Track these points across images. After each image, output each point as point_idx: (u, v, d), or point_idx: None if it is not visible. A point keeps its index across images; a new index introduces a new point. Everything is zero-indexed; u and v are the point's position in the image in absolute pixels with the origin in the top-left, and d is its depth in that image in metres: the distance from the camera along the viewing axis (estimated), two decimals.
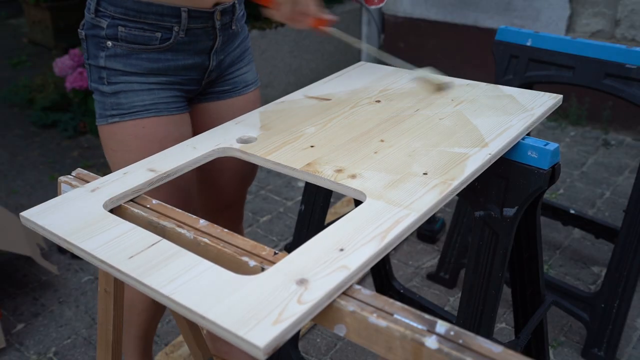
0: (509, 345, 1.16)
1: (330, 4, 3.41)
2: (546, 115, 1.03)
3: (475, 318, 1.12)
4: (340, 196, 2.44)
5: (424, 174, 0.83)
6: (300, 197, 2.08)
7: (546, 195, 2.37)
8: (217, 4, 1.12)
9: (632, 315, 1.78)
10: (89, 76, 1.14)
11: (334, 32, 1.15)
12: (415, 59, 3.50)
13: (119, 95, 1.10)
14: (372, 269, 1.64)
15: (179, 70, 1.13)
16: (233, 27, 1.19)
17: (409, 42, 3.55)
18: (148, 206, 0.80)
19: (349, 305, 0.61)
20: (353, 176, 0.83)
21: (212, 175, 1.34)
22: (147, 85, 1.11)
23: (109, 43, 1.08)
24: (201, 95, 1.24)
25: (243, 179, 1.38)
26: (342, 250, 0.67)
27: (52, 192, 2.57)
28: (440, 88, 1.12)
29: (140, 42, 1.08)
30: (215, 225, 0.75)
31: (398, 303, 0.61)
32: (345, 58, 3.54)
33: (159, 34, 1.08)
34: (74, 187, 0.84)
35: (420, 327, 0.58)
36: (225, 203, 1.41)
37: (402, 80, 1.19)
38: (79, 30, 1.13)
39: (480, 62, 3.14)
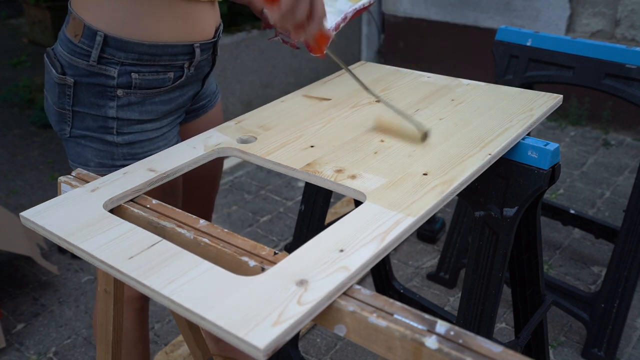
0: (509, 345, 1.16)
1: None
2: (546, 116, 1.03)
3: (475, 318, 1.12)
4: (340, 196, 2.43)
5: (424, 174, 0.83)
6: (300, 197, 2.08)
7: (546, 195, 2.36)
8: (216, 31, 1.10)
9: (632, 315, 1.78)
10: (70, 122, 1.03)
11: (331, 54, 1.01)
12: (415, 59, 3.51)
13: (133, 146, 1.05)
14: (372, 269, 1.64)
15: (185, 104, 1.12)
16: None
17: (409, 42, 3.55)
18: (148, 206, 0.80)
19: (349, 305, 0.61)
20: (353, 176, 0.83)
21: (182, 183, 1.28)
22: (160, 130, 1.08)
23: (120, 92, 1.01)
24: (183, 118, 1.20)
25: (208, 185, 1.33)
26: (342, 251, 0.67)
27: (52, 192, 2.57)
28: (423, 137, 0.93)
29: (155, 86, 1.04)
30: (215, 225, 0.75)
31: (398, 303, 0.61)
32: (345, 58, 3.55)
33: (171, 74, 1.05)
34: (74, 187, 0.83)
35: (420, 327, 0.58)
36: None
37: (402, 80, 1.19)
38: (58, 75, 1.01)
39: (480, 62, 3.14)
